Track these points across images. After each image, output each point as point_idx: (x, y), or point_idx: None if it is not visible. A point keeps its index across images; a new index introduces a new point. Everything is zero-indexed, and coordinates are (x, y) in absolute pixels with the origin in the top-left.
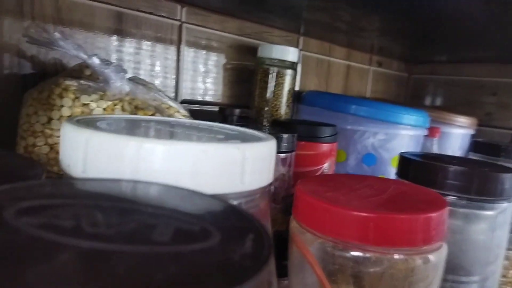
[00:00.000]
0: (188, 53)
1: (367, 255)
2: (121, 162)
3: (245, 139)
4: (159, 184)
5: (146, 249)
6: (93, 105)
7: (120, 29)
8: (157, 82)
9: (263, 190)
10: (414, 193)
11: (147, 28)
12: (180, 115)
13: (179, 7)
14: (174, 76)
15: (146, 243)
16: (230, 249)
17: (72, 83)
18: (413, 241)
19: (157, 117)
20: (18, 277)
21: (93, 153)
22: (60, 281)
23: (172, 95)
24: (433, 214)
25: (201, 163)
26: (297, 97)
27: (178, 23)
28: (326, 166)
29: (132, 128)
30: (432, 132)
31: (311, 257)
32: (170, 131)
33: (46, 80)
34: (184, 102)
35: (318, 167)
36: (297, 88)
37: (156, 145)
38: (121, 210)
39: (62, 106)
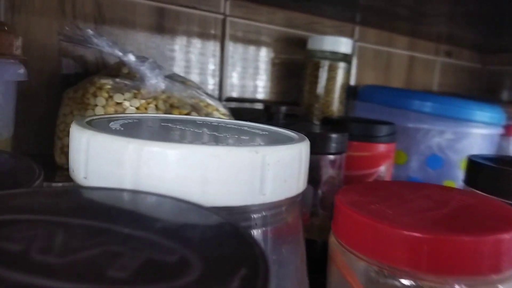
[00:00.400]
0: (233, 48)
1: (420, 284)
2: (121, 168)
3: (274, 140)
4: (154, 195)
5: None
6: (126, 103)
7: (162, 25)
8: (199, 79)
9: (291, 202)
10: (483, 206)
11: (190, 23)
12: (219, 114)
13: (222, 0)
14: (218, 73)
15: (96, 280)
16: None
17: (107, 82)
18: (478, 268)
19: (183, 116)
20: None
21: (94, 157)
22: None
23: (216, 92)
24: (506, 236)
25: (211, 170)
26: (352, 92)
27: (221, 16)
28: (383, 170)
29: (147, 129)
30: (509, 130)
31: (355, 281)
32: (189, 132)
33: (83, 79)
34: (228, 99)
35: (372, 170)
36: (352, 82)
37: (158, 148)
38: (91, 230)
39: (96, 105)
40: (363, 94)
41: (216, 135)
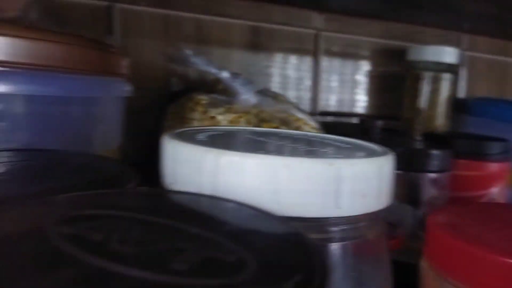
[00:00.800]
0: (326, 62)
1: None
2: (201, 175)
3: (354, 153)
4: (229, 201)
5: (152, 276)
6: (219, 117)
7: (256, 42)
8: (296, 94)
9: (372, 218)
10: None
11: (283, 40)
12: (309, 127)
13: (316, 15)
14: (312, 87)
15: (160, 269)
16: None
17: (203, 97)
18: None
19: (268, 129)
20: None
21: (179, 164)
22: None
23: (309, 107)
24: None
25: (282, 180)
26: (461, 106)
27: (315, 31)
28: (495, 191)
29: (230, 140)
30: None
31: None
32: (270, 144)
33: (185, 96)
34: (323, 113)
35: (483, 192)
36: (462, 95)
37: (234, 157)
38: (165, 228)
39: (193, 119)
40: (475, 108)
41: (295, 147)
